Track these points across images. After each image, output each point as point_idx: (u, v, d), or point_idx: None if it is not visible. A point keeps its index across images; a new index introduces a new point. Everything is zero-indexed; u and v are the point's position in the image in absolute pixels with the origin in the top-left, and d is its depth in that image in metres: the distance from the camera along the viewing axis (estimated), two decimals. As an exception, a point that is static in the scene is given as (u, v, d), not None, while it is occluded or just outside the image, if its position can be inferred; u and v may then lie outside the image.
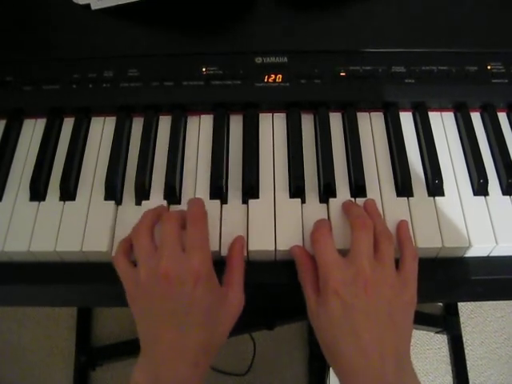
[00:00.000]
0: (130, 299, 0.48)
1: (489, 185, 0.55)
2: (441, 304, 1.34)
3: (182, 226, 0.49)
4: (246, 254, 0.52)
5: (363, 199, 0.54)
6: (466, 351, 1.29)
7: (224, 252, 0.52)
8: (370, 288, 0.45)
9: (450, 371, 1.29)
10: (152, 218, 0.50)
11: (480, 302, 1.35)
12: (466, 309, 1.34)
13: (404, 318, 0.47)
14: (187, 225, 0.48)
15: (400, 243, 0.51)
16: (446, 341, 1.31)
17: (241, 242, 0.52)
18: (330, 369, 1.07)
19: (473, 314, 1.34)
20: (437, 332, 1.30)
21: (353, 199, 0.54)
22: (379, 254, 0.48)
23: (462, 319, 1.32)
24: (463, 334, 1.30)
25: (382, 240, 0.49)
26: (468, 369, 1.27)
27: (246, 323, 1.08)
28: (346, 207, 0.53)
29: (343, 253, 0.48)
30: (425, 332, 1.31)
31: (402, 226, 0.52)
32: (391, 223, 0.52)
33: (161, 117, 0.61)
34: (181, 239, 0.48)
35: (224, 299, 0.48)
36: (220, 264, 0.51)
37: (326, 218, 0.53)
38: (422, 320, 1.25)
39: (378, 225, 0.50)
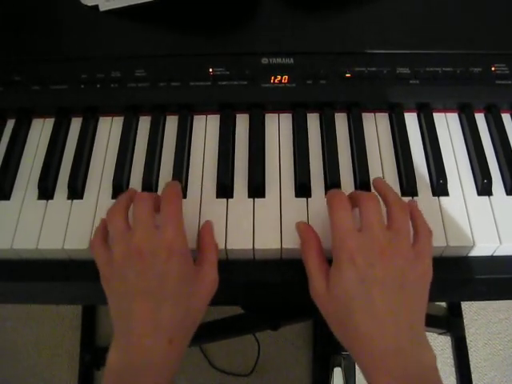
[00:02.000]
0: (103, 281, 0.48)
1: (493, 185, 0.56)
2: (444, 305, 1.34)
3: (156, 209, 0.49)
4: (252, 253, 0.52)
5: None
6: (469, 353, 1.29)
7: (230, 252, 0.53)
8: (385, 257, 0.45)
9: (454, 373, 1.29)
10: (126, 200, 0.51)
11: (484, 304, 1.35)
12: (469, 310, 1.35)
13: (417, 290, 0.47)
14: (161, 204, 0.49)
15: (413, 219, 0.50)
16: (450, 342, 1.31)
17: (209, 223, 0.53)
18: (334, 369, 1.07)
19: (476, 316, 1.34)
20: (440, 333, 1.30)
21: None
22: (394, 224, 0.47)
23: (465, 321, 1.32)
24: (467, 336, 1.30)
25: (395, 210, 0.48)
26: (471, 370, 1.27)
27: (250, 324, 1.08)
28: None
29: None
30: (428, 333, 1.30)
31: (412, 205, 0.51)
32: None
33: (168, 117, 0.62)
34: (154, 218, 0.48)
35: (197, 276, 0.48)
36: (226, 264, 0.52)
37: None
38: (426, 321, 1.25)
39: (391, 196, 0.49)
